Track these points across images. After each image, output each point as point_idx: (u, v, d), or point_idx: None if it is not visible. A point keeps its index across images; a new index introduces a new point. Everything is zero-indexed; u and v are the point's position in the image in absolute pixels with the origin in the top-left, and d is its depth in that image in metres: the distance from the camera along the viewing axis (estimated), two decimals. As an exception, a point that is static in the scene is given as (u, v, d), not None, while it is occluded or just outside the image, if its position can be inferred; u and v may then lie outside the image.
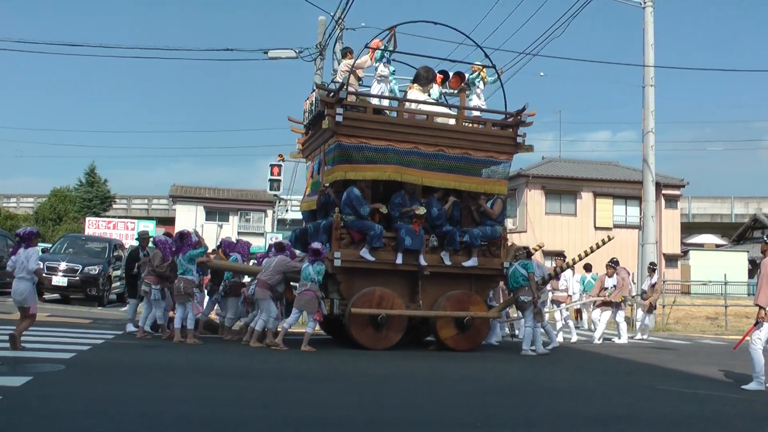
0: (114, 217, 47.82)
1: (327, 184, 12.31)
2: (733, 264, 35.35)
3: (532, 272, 12.27)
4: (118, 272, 20.92)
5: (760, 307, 8.88)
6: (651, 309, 17.01)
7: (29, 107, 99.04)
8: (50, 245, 22.74)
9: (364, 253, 11.50)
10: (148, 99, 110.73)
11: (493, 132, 12.68)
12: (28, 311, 9.43)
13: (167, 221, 52.59)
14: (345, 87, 11.84)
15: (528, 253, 12.87)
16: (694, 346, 15.46)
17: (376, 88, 12.70)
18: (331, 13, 19.20)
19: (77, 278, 18.49)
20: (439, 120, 12.44)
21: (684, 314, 23.43)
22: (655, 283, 16.93)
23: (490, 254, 12.44)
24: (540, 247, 14.92)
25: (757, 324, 8.95)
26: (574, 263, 13.83)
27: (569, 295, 15.75)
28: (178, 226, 50.08)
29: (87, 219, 42.34)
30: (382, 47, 12.67)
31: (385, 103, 12.61)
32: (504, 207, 12.82)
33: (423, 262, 11.78)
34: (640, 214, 22.90)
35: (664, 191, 36.12)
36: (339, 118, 11.45)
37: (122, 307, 19.55)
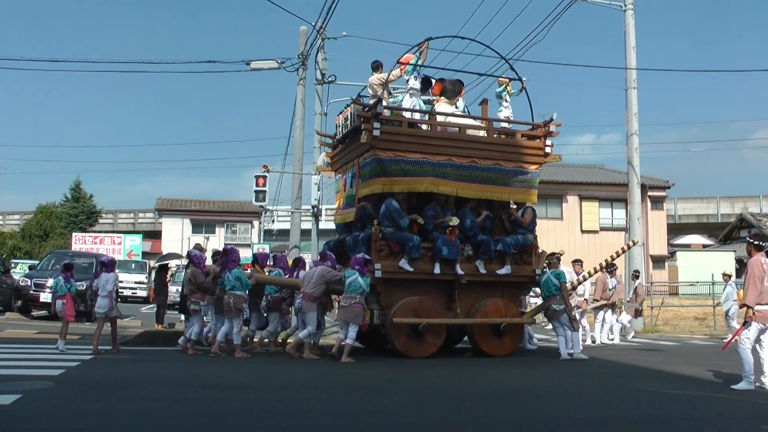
0: (100, 232, 47.64)
1: (363, 198, 12.47)
2: (720, 264, 35.46)
3: (564, 282, 12.58)
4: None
5: (748, 307, 8.93)
6: (637, 313, 17.24)
7: (12, 123, 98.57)
8: (37, 262, 22.59)
9: (403, 263, 11.74)
10: (132, 113, 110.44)
11: (523, 143, 13.02)
12: (113, 319, 11.95)
13: (154, 235, 52.44)
14: (381, 102, 12.02)
15: (558, 259, 13.11)
16: (683, 347, 15.53)
17: (408, 102, 12.86)
18: (313, 23, 19.21)
19: (64, 294, 18.31)
20: (470, 132, 12.76)
21: (672, 315, 23.54)
22: (636, 287, 17.22)
23: (522, 262, 12.77)
24: (561, 254, 15.17)
25: (746, 323, 9.00)
26: (602, 268, 14.22)
27: (585, 300, 15.84)
28: (165, 240, 50.03)
29: (73, 235, 42.16)
30: (413, 62, 12.83)
31: (417, 116, 12.83)
32: (534, 215, 13.12)
33: (459, 271, 12.02)
34: (626, 216, 23.00)
35: (649, 193, 36.31)
36: (376, 133, 11.69)
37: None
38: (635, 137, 19.65)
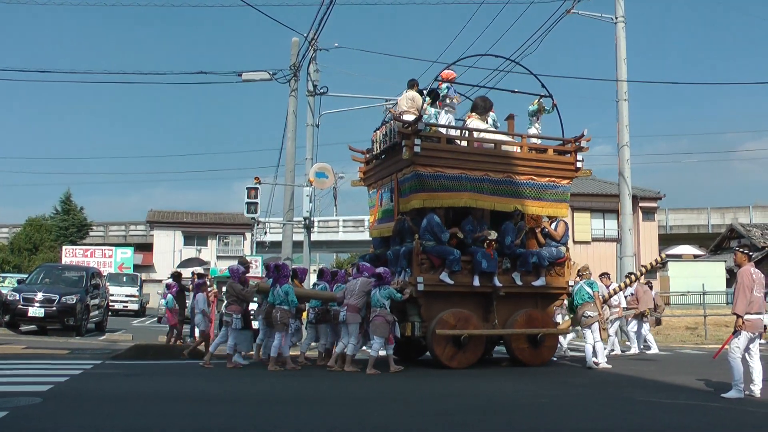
0: (91, 244, 47.47)
1: (403, 212, 12.68)
2: (711, 274, 35.54)
3: (597, 290, 12.90)
4: (96, 301, 20.76)
5: (738, 316, 8.99)
6: (658, 322, 17.31)
7: (1, 135, 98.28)
8: (26, 276, 22.45)
9: (444, 276, 11.98)
10: (123, 124, 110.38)
11: (555, 158, 13.41)
12: (204, 333, 13.91)
13: (145, 247, 52.29)
14: (421, 118, 12.28)
15: (589, 272, 13.45)
16: (674, 357, 15.56)
17: (443, 118, 13.19)
18: (305, 35, 19.24)
19: (54, 308, 18.23)
20: (504, 147, 13.13)
21: (664, 325, 23.48)
22: (654, 297, 17.14)
23: (555, 273, 13.11)
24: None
25: (735, 332, 9.05)
26: (637, 279, 14.62)
27: (622, 308, 15.86)
28: (157, 252, 49.93)
29: (63, 248, 42.00)
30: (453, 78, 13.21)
31: (452, 132, 13.12)
32: (567, 229, 13.49)
33: (498, 284, 12.32)
34: (618, 227, 23.05)
35: (641, 204, 36.38)
36: (417, 149, 11.95)
37: (100, 336, 19.39)
38: (626, 149, 19.69)
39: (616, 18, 19.74)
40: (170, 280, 17.35)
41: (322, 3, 17.25)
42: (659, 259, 14.19)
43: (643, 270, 14.48)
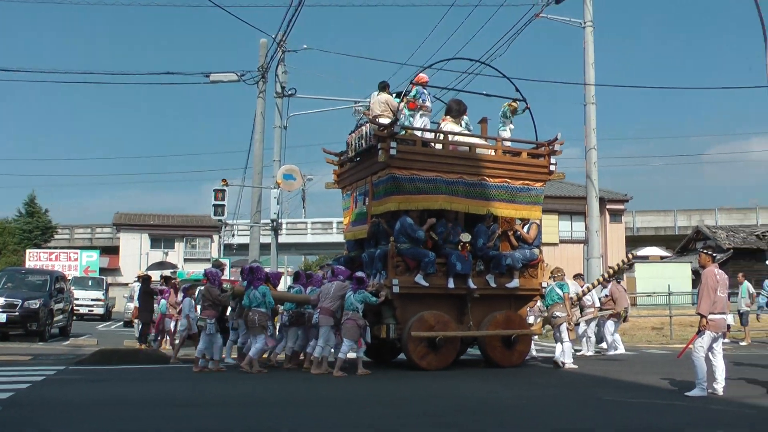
0: (56, 248, 46.82)
1: (377, 215, 12.67)
2: (677, 275, 36.00)
3: (566, 292, 13.11)
4: (61, 305, 20.43)
5: (702, 316, 9.12)
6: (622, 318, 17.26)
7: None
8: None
9: (419, 279, 12.04)
10: (89, 125, 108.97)
11: (529, 161, 13.48)
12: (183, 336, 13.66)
13: (111, 250, 51.66)
14: (397, 122, 12.33)
15: (562, 273, 13.63)
16: (640, 356, 15.70)
17: (418, 122, 13.17)
18: (273, 36, 19.16)
19: (17, 314, 17.85)
20: (478, 150, 13.19)
21: (630, 325, 23.71)
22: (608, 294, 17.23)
23: (528, 275, 13.20)
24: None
25: (699, 332, 9.18)
26: (605, 280, 14.84)
27: (597, 308, 15.88)
28: (123, 255, 49.33)
29: (28, 251, 41.40)
30: (425, 82, 13.31)
31: (428, 135, 13.16)
32: (539, 231, 13.56)
33: (472, 285, 12.37)
34: (585, 229, 23.25)
35: (608, 206, 36.76)
36: (393, 152, 11.96)
37: (64, 342, 19.08)
38: (594, 152, 19.86)
39: (585, 22, 19.90)
40: (164, 286, 17.15)
41: (291, 4, 17.23)
42: (628, 258, 14.33)
43: (610, 272, 14.56)
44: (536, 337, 15.57)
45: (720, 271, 9.43)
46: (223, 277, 13.40)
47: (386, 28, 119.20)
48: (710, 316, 9.08)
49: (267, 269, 14.69)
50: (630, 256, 14.44)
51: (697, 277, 34.12)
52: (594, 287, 14.94)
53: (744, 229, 45.17)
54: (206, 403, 8.66)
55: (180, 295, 15.10)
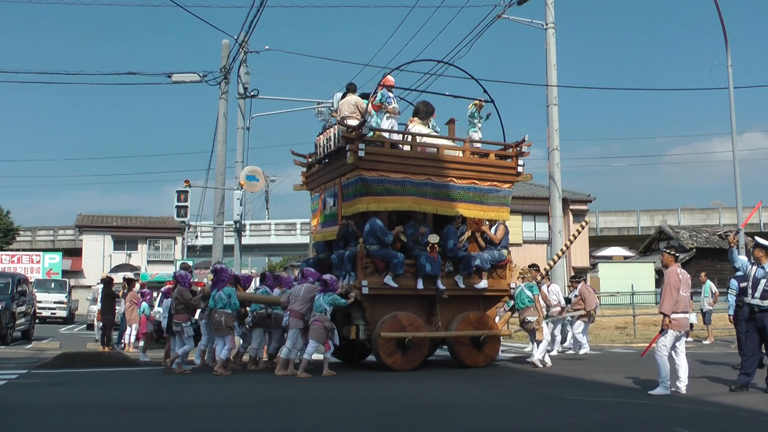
0: (18, 250, 46.02)
1: (347, 216, 12.66)
2: (640, 275, 36.46)
3: (537, 294, 13.08)
4: (23, 308, 20.08)
5: (665, 315, 9.22)
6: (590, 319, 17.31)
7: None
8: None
9: (388, 280, 12.07)
10: (50, 126, 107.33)
11: (497, 162, 13.57)
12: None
13: (74, 252, 50.94)
14: (366, 123, 12.34)
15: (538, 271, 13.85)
16: (603, 355, 15.84)
17: (386, 123, 13.14)
18: (235, 37, 19.03)
19: (-23, 316, 17.55)
20: (446, 152, 13.24)
21: (594, 325, 23.90)
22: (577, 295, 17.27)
23: (497, 276, 13.27)
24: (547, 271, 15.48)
25: (662, 331, 9.28)
26: (566, 249, 15.25)
27: (562, 308, 15.88)
28: (86, 257, 48.66)
29: (-12, 253, 40.60)
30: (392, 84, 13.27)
31: (396, 136, 13.19)
32: (507, 232, 13.58)
33: (441, 286, 12.41)
34: (549, 229, 23.42)
35: (571, 207, 37.17)
36: (361, 153, 11.97)
37: (27, 345, 18.75)
38: (556, 152, 20.01)
39: (547, 24, 20.03)
40: (146, 289, 16.99)
41: (253, 5, 17.12)
42: (581, 226, 14.41)
43: (569, 242, 14.77)
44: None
45: (683, 270, 9.54)
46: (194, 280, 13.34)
47: (349, 29, 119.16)
48: (673, 315, 9.18)
49: (245, 272, 14.65)
50: (586, 221, 14.55)
51: (660, 277, 34.61)
52: (559, 258, 15.15)
53: (707, 229, 45.93)
54: (168, 406, 8.55)
55: (157, 296, 15.05)
